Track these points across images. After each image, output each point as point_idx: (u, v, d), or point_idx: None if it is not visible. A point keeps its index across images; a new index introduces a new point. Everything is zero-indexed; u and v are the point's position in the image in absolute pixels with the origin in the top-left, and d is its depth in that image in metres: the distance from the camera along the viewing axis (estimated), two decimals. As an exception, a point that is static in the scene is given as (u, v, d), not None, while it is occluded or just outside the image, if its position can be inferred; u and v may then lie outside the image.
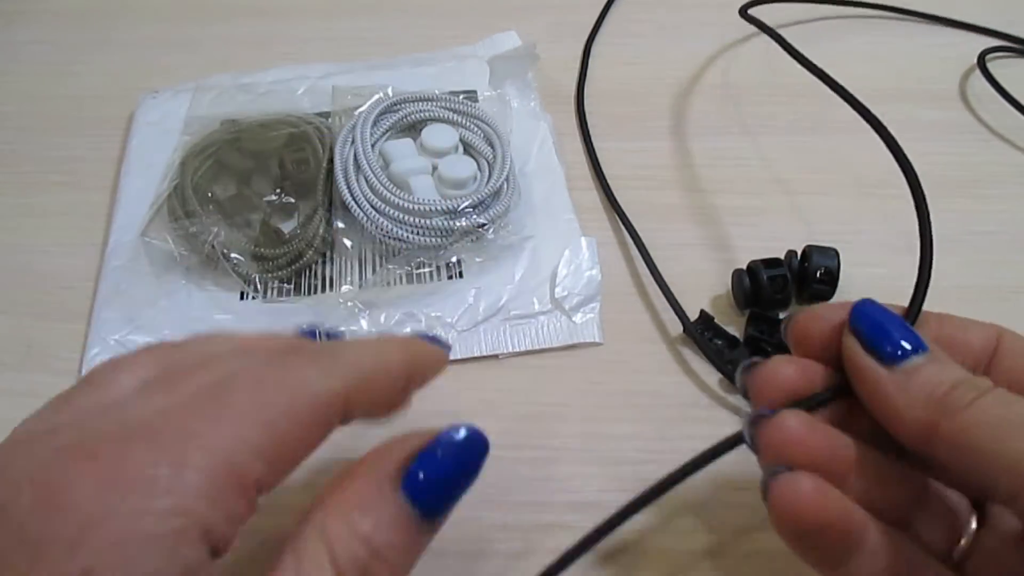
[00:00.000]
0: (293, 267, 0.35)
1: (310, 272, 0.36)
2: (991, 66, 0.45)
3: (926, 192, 0.37)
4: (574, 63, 0.47)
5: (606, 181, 0.40)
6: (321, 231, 0.35)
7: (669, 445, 0.31)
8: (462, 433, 0.18)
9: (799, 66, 0.47)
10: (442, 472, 0.18)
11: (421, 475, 0.17)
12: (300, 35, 0.49)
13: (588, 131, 0.43)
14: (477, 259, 0.35)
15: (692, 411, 0.32)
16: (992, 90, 0.44)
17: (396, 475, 0.17)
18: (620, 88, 0.45)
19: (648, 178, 0.40)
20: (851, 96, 0.31)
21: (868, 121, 0.29)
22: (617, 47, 0.48)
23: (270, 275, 0.35)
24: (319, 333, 0.23)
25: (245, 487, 0.16)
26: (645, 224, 0.37)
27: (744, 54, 0.48)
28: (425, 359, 0.21)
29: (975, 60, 0.45)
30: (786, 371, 0.23)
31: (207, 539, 0.15)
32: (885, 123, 0.40)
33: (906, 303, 0.37)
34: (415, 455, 0.18)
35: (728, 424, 0.32)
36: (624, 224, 0.37)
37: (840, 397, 0.22)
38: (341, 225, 0.36)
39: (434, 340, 0.22)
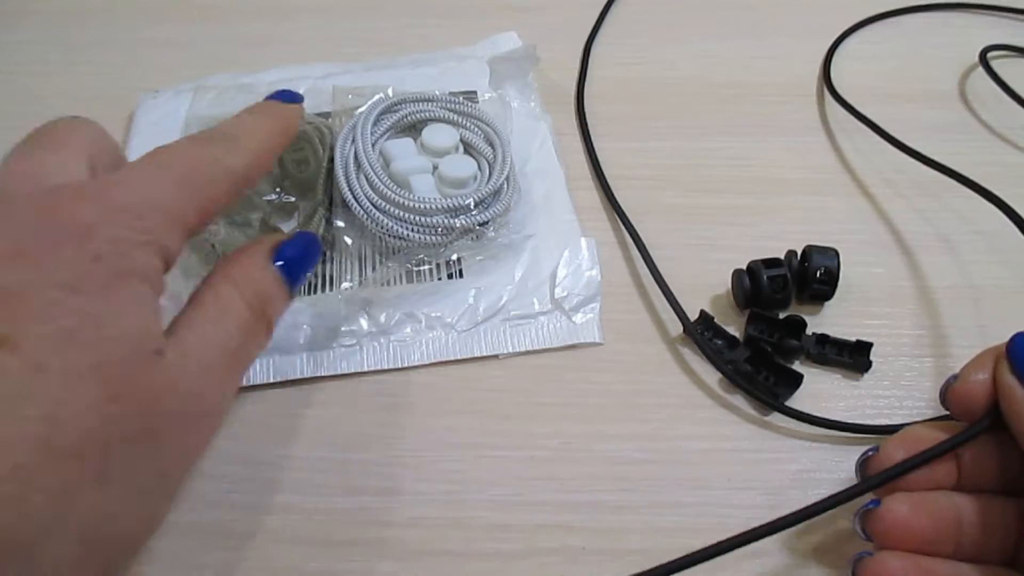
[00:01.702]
0: None
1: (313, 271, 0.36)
2: (993, 64, 0.45)
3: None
4: (574, 63, 0.47)
5: (606, 181, 0.40)
6: (321, 230, 0.35)
7: (669, 445, 0.31)
8: (308, 235, 0.27)
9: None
10: (296, 252, 0.26)
11: (285, 252, 0.26)
12: (300, 35, 0.49)
13: (588, 131, 0.43)
14: (478, 258, 0.35)
15: (692, 411, 0.32)
16: (992, 90, 0.44)
17: (269, 253, 0.25)
18: (620, 88, 0.45)
19: (648, 178, 0.40)
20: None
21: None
22: (617, 47, 0.48)
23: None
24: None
25: (185, 228, 0.23)
26: (645, 224, 0.37)
27: (744, 53, 0.48)
28: (292, 123, 0.28)
29: (975, 59, 0.45)
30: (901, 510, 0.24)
31: (163, 256, 0.22)
32: (885, 123, 0.41)
33: (906, 303, 0.37)
34: (279, 242, 0.26)
35: (728, 424, 0.32)
36: (624, 224, 0.37)
37: (991, 430, 0.24)
38: (341, 224, 0.36)
39: (290, 97, 0.29)
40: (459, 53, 0.46)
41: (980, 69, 0.45)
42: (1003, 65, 0.45)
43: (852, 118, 0.42)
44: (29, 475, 0.18)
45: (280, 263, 0.25)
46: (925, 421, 0.31)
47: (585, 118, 0.43)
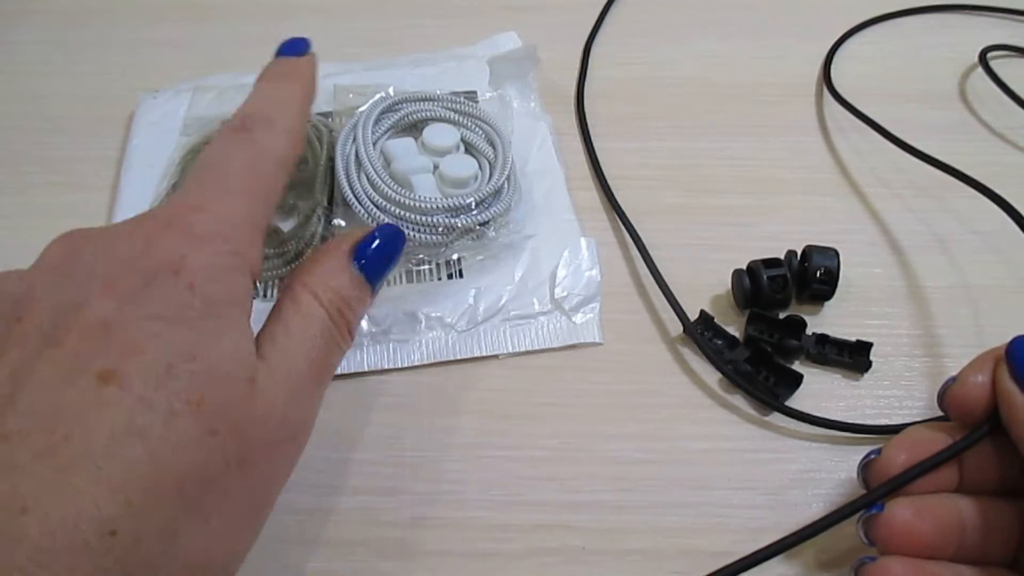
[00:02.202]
0: (292, 266, 0.35)
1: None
2: (992, 64, 0.45)
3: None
4: (574, 63, 0.47)
5: (606, 181, 0.40)
6: (320, 230, 0.35)
7: (669, 445, 0.31)
8: (389, 228, 0.26)
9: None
10: (377, 251, 0.25)
11: (366, 252, 0.25)
12: (300, 35, 0.49)
13: (588, 131, 0.43)
14: (478, 257, 0.35)
15: (692, 411, 0.32)
16: (992, 90, 0.44)
17: (350, 253, 0.25)
18: (620, 88, 0.45)
19: (648, 178, 0.40)
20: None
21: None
22: (617, 47, 0.48)
23: (269, 274, 0.35)
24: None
25: (260, 230, 0.23)
26: (645, 224, 0.37)
27: (744, 53, 0.48)
28: (312, 79, 0.27)
29: (975, 59, 0.45)
30: (904, 515, 0.24)
31: (251, 271, 0.22)
32: (885, 123, 0.41)
33: (905, 303, 0.37)
34: (360, 241, 0.25)
35: (728, 424, 0.32)
36: (624, 224, 0.37)
37: (991, 434, 0.24)
38: (341, 223, 0.36)
39: (298, 47, 0.28)
40: (459, 53, 0.46)
41: (980, 69, 0.45)
42: (1003, 65, 0.45)
43: (852, 118, 0.42)
44: (138, 513, 0.18)
45: (361, 262, 0.25)
46: (924, 422, 0.31)
47: (585, 118, 0.43)
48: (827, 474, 0.30)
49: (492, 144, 0.38)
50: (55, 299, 0.20)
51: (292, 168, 0.25)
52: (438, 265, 0.36)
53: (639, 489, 0.30)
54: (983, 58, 0.45)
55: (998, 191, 0.34)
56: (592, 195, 0.40)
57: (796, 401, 0.32)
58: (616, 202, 0.39)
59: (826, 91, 0.45)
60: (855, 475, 0.27)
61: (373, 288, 0.25)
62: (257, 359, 0.22)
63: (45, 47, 0.48)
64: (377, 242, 0.25)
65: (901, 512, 0.24)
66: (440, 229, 0.34)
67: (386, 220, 0.34)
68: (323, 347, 0.23)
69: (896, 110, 0.42)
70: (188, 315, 0.20)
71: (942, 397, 0.26)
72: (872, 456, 0.26)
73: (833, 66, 0.46)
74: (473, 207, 0.35)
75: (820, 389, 0.32)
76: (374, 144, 0.37)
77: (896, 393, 0.32)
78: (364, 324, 0.34)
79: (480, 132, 0.39)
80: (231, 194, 0.23)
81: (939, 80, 0.46)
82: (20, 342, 0.19)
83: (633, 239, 0.37)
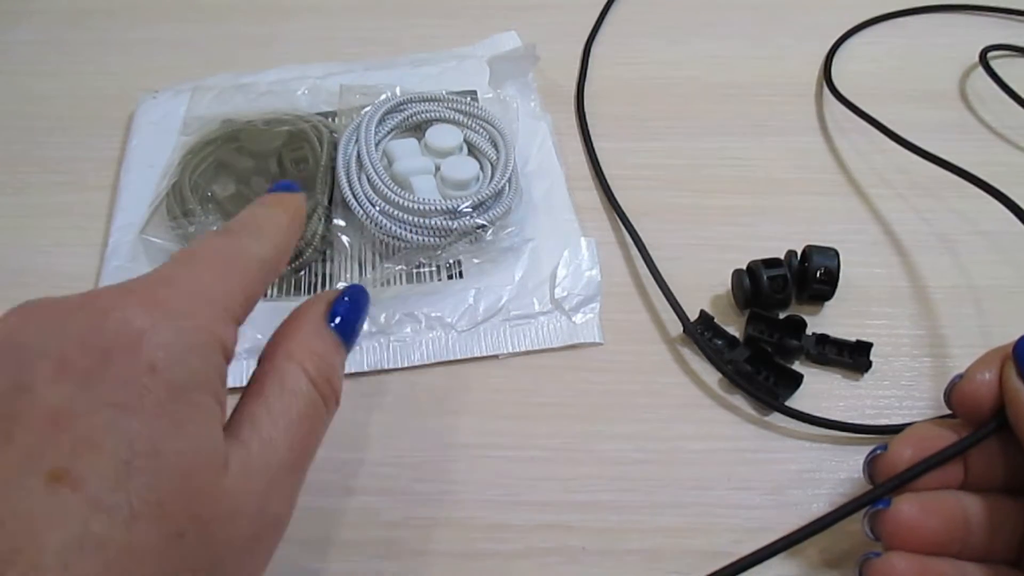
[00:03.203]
0: (292, 266, 0.35)
1: (310, 271, 0.36)
2: (993, 64, 0.45)
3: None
4: (574, 63, 0.47)
5: (606, 181, 0.40)
6: (320, 230, 0.35)
7: (669, 445, 0.31)
8: (355, 287, 0.25)
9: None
10: (349, 309, 0.25)
11: (340, 312, 0.24)
12: (300, 35, 0.49)
13: (588, 131, 0.43)
14: (475, 260, 0.35)
15: (692, 411, 0.32)
16: (992, 90, 0.44)
17: (325, 317, 0.24)
18: (620, 88, 0.45)
19: (648, 178, 0.40)
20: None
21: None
22: (617, 47, 0.48)
23: None
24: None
25: (234, 318, 0.22)
26: (645, 224, 0.37)
27: (744, 54, 0.48)
28: (301, 211, 0.27)
29: (975, 59, 0.45)
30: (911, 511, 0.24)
31: (223, 350, 0.21)
32: (886, 123, 0.41)
33: (906, 303, 0.37)
34: (333, 302, 0.24)
35: (728, 424, 0.32)
36: (624, 224, 0.37)
37: (997, 432, 0.24)
38: (341, 223, 0.36)
39: (289, 187, 0.28)
40: (459, 53, 0.46)
41: (980, 69, 0.45)
42: (1003, 65, 0.45)
43: (852, 118, 0.42)
44: None
45: (336, 323, 0.24)
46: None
47: (585, 118, 0.43)
48: (827, 474, 0.30)
49: (495, 146, 0.38)
50: (1, 383, 0.18)
51: (272, 278, 0.24)
52: (438, 267, 0.36)
53: (639, 489, 0.30)
54: (983, 58, 0.45)
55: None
56: (592, 195, 0.40)
57: (796, 401, 0.32)
58: (616, 202, 0.39)
59: (826, 91, 0.45)
60: (855, 475, 0.27)
61: (348, 349, 0.25)
62: (233, 442, 0.20)
63: (45, 47, 0.48)
64: (347, 300, 0.25)
65: (907, 508, 0.24)
66: (438, 232, 0.34)
67: (384, 221, 0.34)
68: (308, 430, 0.22)
69: (896, 110, 0.42)
70: (148, 402, 0.18)
71: (949, 394, 0.26)
72: (878, 452, 0.26)
73: (833, 66, 0.46)
74: (472, 210, 0.35)
75: (820, 389, 0.32)
76: (377, 144, 0.37)
77: (896, 393, 0.32)
78: (364, 324, 0.34)
79: (484, 133, 0.38)
80: (204, 273, 0.22)
81: (939, 80, 0.46)
82: None
83: (633, 239, 0.37)
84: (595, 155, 0.41)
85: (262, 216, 0.25)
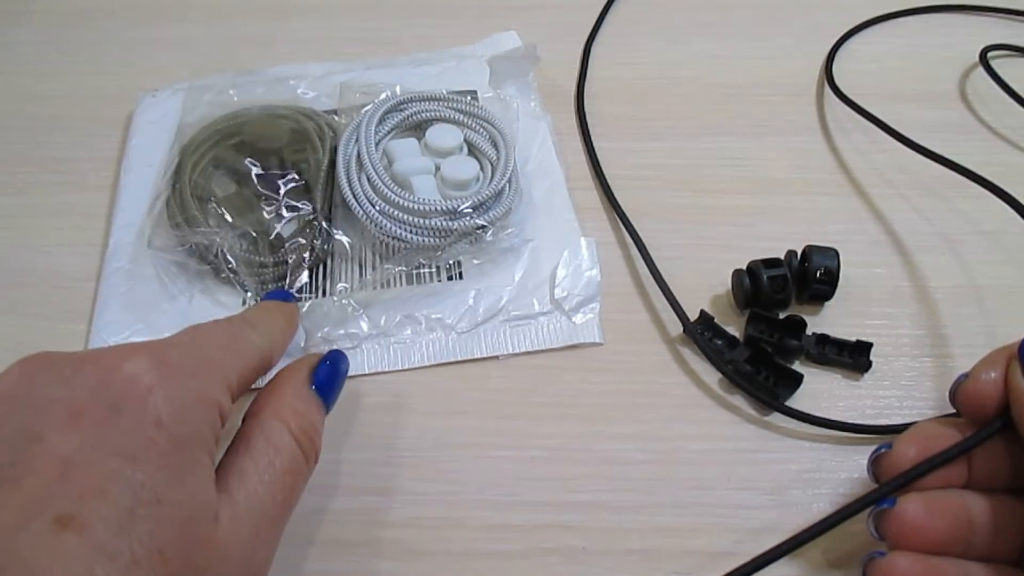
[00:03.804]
0: (290, 269, 0.35)
1: (311, 274, 0.36)
2: (993, 64, 0.45)
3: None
4: (574, 63, 0.47)
5: (606, 181, 0.40)
6: (321, 233, 0.35)
7: (669, 445, 0.31)
8: (335, 352, 0.28)
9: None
10: (330, 372, 0.26)
11: (321, 376, 0.26)
12: (300, 35, 0.49)
13: (588, 131, 0.43)
14: (475, 261, 0.35)
15: (692, 411, 0.32)
16: (992, 90, 0.44)
17: (308, 379, 0.26)
18: (620, 88, 0.45)
19: (648, 178, 0.40)
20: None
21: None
22: (617, 47, 0.48)
23: (270, 279, 0.35)
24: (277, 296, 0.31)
25: (232, 393, 0.23)
26: (645, 224, 0.37)
27: (744, 54, 0.47)
28: (294, 317, 0.30)
29: (976, 59, 0.45)
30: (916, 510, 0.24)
31: (220, 414, 0.22)
32: (885, 123, 0.41)
33: (906, 303, 0.37)
34: (314, 367, 0.26)
35: (728, 424, 0.32)
36: (624, 224, 0.37)
37: (1002, 431, 0.24)
38: (339, 226, 0.36)
39: (285, 296, 0.31)
40: (459, 53, 0.46)
41: (980, 69, 0.45)
42: (1003, 65, 0.45)
43: (853, 118, 0.42)
44: None
45: (317, 385, 0.26)
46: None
47: (585, 118, 0.43)
48: (827, 474, 0.30)
49: (495, 146, 0.38)
50: (11, 430, 0.19)
51: (265, 371, 0.26)
52: (438, 268, 0.36)
53: (639, 489, 0.30)
54: (984, 58, 0.45)
55: (998, 191, 0.34)
56: (592, 195, 0.40)
57: (796, 401, 0.32)
58: (616, 202, 0.39)
59: (827, 91, 0.45)
60: (855, 475, 0.27)
61: (327, 409, 0.26)
62: (223, 495, 0.21)
63: (45, 47, 0.48)
64: (328, 363, 0.27)
65: (912, 507, 0.24)
66: (437, 232, 0.34)
67: (384, 222, 0.34)
68: (290, 484, 0.23)
69: (896, 110, 0.42)
70: (153, 453, 0.19)
71: (954, 393, 0.26)
72: (883, 451, 0.26)
73: (834, 66, 0.46)
74: (472, 210, 0.35)
75: (820, 389, 0.32)
76: (377, 144, 0.37)
77: (896, 393, 0.32)
78: (364, 326, 0.34)
79: (484, 133, 0.38)
80: (209, 344, 0.24)
81: (940, 80, 0.46)
82: None
83: (633, 239, 0.37)
84: (595, 155, 0.41)
85: (262, 314, 0.28)
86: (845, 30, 0.48)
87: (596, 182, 0.40)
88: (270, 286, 0.35)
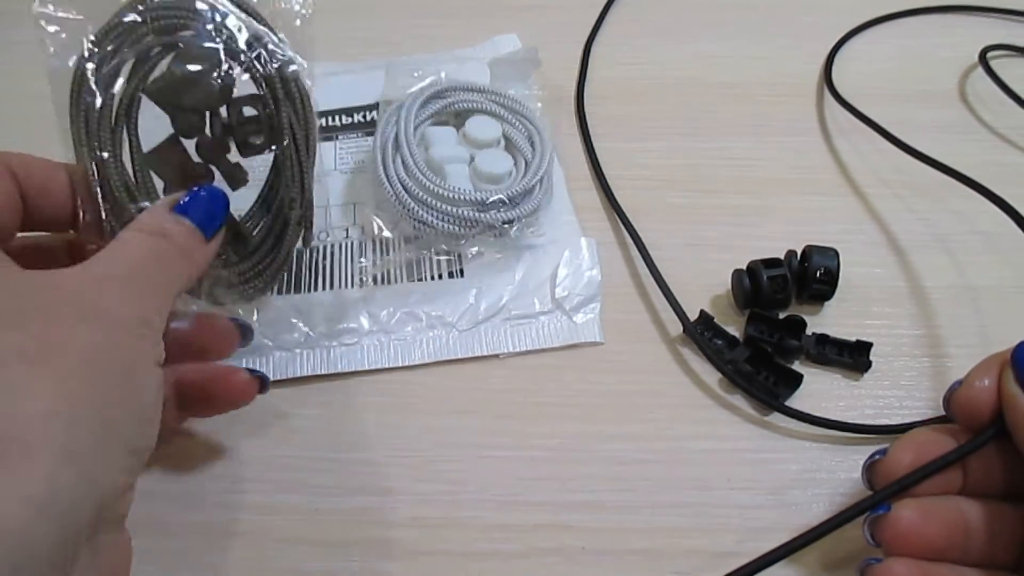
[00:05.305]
0: (264, 274, 0.31)
1: (307, 272, 0.36)
2: (993, 64, 0.45)
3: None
4: (574, 63, 0.47)
5: (606, 181, 0.40)
6: (298, 243, 0.31)
7: (669, 445, 0.31)
8: (208, 186, 0.27)
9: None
10: (194, 196, 0.26)
11: (185, 203, 0.26)
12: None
13: (588, 131, 0.43)
14: (496, 255, 0.36)
15: (692, 411, 0.32)
16: (992, 90, 0.44)
17: (167, 205, 0.26)
18: (620, 88, 0.45)
19: (648, 178, 0.40)
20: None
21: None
22: (617, 47, 0.48)
23: (245, 285, 0.30)
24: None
25: (159, 329, 0.23)
26: (645, 224, 0.37)
27: (744, 53, 0.48)
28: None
29: (975, 59, 0.45)
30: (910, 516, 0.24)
31: (155, 343, 0.23)
32: (886, 123, 0.41)
33: (905, 303, 0.37)
34: (178, 197, 0.26)
35: (728, 424, 0.32)
36: (624, 224, 0.37)
37: (996, 438, 0.24)
38: (339, 223, 0.36)
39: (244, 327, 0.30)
40: (460, 55, 0.46)
41: (980, 69, 0.45)
42: (1003, 65, 0.45)
43: (852, 119, 0.42)
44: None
45: (183, 202, 0.26)
46: (926, 422, 0.31)
47: (585, 118, 0.43)
48: (827, 474, 0.30)
49: (532, 144, 0.38)
50: None
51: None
52: (439, 263, 0.36)
53: (639, 489, 0.30)
54: (983, 58, 0.45)
55: (998, 191, 0.34)
56: (592, 195, 0.40)
57: (796, 401, 0.32)
58: (616, 202, 0.39)
59: (827, 91, 0.45)
60: (855, 475, 0.27)
61: (206, 235, 0.26)
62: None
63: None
64: (195, 190, 0.26)
65: (908, 514, 0.24)
66: (464, 221, 0.34)
67: (413, 205, 0.34)
68: (147, 259, 0.24)
69: (897, 110, 0.42)
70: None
71: (948, 401, 0.26)
72: (877, 457, 0.26)
73: (834, 66, 0.46)
74: (501, 203, 0.35)
75: (820, 389, 0.32)
76: (415, 128, 0.37)
77: (896, 393, 0.32)
78: (365, 322, 0.34)
79: (522, 130, 0.39)
80: None
81: (939, 80, 0.46)
82: None
83: (633, 239, 0.37)
84: (595, 155, 0.41)
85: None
86: (845, 30, 0.49)
87: (596, 182, 0.40)
88: (246, 285, 0.31)
